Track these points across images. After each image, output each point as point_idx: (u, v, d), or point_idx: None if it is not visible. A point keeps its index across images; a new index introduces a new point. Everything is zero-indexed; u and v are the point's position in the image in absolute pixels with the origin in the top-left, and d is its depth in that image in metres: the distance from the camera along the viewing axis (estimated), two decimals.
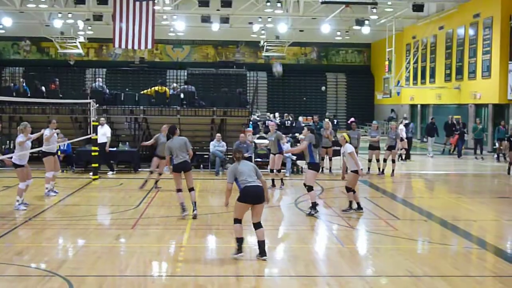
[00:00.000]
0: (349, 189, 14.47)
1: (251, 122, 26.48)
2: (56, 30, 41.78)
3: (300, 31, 43.64)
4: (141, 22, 25.17)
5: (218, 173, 21.37)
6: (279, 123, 33.07)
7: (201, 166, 22.74)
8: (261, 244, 10.19)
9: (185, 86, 25.47)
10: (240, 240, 10.21)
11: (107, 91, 25.75)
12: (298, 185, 19.32)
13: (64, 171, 21.55)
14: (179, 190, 13.46)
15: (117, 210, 14.47)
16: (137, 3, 24.87)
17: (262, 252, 10.17)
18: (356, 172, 14.28)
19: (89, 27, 42.74)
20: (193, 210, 13.37)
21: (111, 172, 21.10)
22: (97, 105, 21.34)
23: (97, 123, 20.38)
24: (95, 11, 34.88)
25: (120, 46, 25.50)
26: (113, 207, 14.79)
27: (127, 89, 30.92)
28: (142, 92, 25.16)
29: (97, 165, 19.99)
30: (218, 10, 34.89)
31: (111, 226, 12.81)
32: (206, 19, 36.19)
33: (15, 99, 22.20)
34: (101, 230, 12.47)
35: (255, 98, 36.06)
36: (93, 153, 20.08)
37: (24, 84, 25.40)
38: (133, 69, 47.76)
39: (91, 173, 20.06)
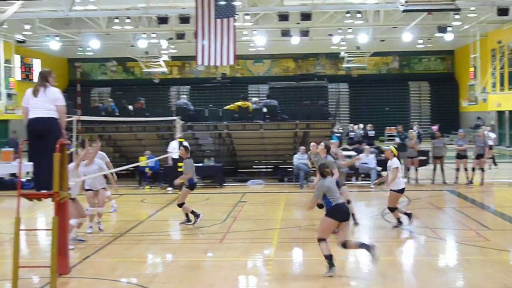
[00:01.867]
0: (392, 209, 13.70)
1: (334, 134, 26.35)
2: (140, 50, 42.90)
3: (381, 40, 43.20)
4: (223, 39, 25.53)
5: (302, 186, 21.38)
6: (363, 134, 32.81)
7: (285, 179, 22.80)
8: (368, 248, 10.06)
9: (268, 100, 25.64)
10: (329, 257, 9.92)
11: (192, 107, 26.23)
12: (383, 196, 19.09)
13: (152, 187, 22.09)
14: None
15: (205, 224, 14.69)
16: (218, 21, 25.24)
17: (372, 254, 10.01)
18: (397, 191, 13.50)
19: (172, 46, 43.64)
20: None
21: (170, 188, 21.25)
22: (182, 121, 21.77)
23: (182, 140, 20.78)
24: (177, 30, 35.61)
25: (202, 63, 25.91)
26: (200, 222, 15.01)
27: (210, 105, 31.40)
28: (225, 108, 25.51)
29: (182, 181, 20.33)
30: (297, 23, 34.97)
31: (199, 241, 13.03)
32: (286, 33, 36.36)
33: (104, 118, 22.91)
34: (189, 245, 12.70)
35: (337, 110, 35.91)
36: (179, 169, 20.45)
37: (112, 104, 26.19)
38: (215, 85, 48.45)
39: (169, 188, 20.45)
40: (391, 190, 13.61)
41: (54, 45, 39.49)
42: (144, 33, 38.31)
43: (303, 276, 10.04)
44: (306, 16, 31.58)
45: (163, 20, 31.82)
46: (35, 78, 44.64)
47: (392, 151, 13.68)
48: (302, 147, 22.27)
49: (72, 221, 12.06)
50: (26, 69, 45.34)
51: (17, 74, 40.96)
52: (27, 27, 34.76)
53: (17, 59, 40.47)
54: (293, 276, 10.13)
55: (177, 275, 10.05)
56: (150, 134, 24.27)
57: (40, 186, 9.59)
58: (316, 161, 15.09)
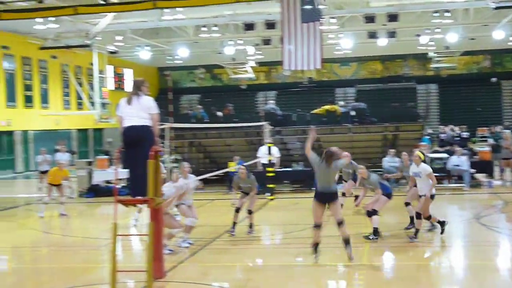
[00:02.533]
0: (419, 215, 12.62)
1: (425, 136, 25.86)
2: (227, 57, 43.48)
3: (471, 39, 42.09)
4: (309, 43, 25.48)
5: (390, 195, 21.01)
6: (456, 136, 31.98)
7: None
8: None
9: (356, 103, 25.44)
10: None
11: (279, 112, 26.33)
12: (477, 199, 18.64)
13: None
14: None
15: (295, 229, 14.70)
16: (304, 25, 25.22)
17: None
18: (431, 197, 12.49)
19: (259, 52, 44.00)
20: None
21: (268, 194, 21.02)
22: (271, 126, 21.88)
23: (271, 145, 20.85)
24: (264, 35, 35.90)
25: (289, 68, 25.95)
26: (291, 226, 15.04)
27: (298, 110, 31.40)
28: (313, 112, 25.47)
29: (273, 185, 20.43)
30: (384, 24, 34.58)
31: (290, 245, 13.03)
32: (372, 35, 36.04)
33: (195, 125, 23.31)
34: (281, 249, 12.74)
35: (427, 111, 35.22)
36: (267, 174, 20.57)
37: (201, 110, 26.63)
38: (302, 90, 48.48)
39: (267, 194, 20.54)
40: (424, 196, 12.50)
41: (145, 54, 40.61)
42: (231, 40, 38.80)
43: (396, 281, 9.88)
44: (393, 17, 31.22)
45: (249, 26, 32.16)
46: (127, 87, 46.08)
47: (419, 157, 12.72)
48: (392, 150, 21.94)
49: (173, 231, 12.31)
50: (119, 78, 46.82)
51: (110, 84, 42.34)
52: (119, 38, 35.83)
53: (109, 70, 41.82)
54: (385, 281, 9.99)
55: (269, 280, 10.10)
56: (239, 140, 24.53)
57: (135, 193, 9.85)
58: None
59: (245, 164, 18.60)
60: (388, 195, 13.39)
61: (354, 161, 16.35)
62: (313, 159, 11.51)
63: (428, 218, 12.75)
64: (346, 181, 17.20)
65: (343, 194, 16.32)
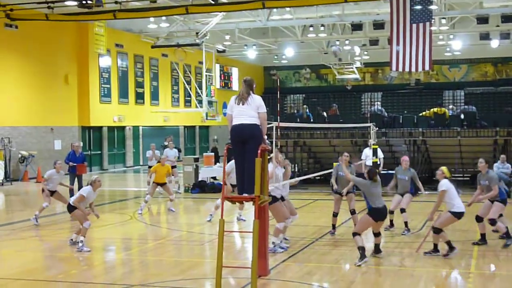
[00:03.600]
0: (437, 230, 11.90)
1: None
2: (334, 57, 43.27)
3: None
4: (418, 44, 25.01)
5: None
6: None
7: None
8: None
9: (466, 107, 24.75)
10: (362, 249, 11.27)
11: (386, 114, 25.99)
12: None
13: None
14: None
15: (399, 233, 14.47)
16: (414, 25, 24.77)
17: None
18: (454, 214, 11.75)
19: (365, 52, 43.57)
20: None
21: None
22: (377, 128, 21.63)
23: (376, 146, 20.60)
24: (371, 36, 35.49)
25: (397, 69, 25.56)
26: (396, 230, 14.81)
27: (405, 112, 30.92)
28: (420, 114, 24.99)
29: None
30: (497, 26, 33.43)
31: (395, 249, 12.84)
32: (485, 36, 34.89)
33: (300, 124, 23.39)
34: (385, 253, 12.55)
35: None
36: None
37: (307, 111, 26.66)
38: (409, 91, 47.59)
39: None
40: (449, 211, 11.87)
41: (252, 54, 41.09)
42: (338, 40, 38.59)
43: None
44: (507, 18, 30.07)
45: (357, 26, 31.89)
46: (234, 86, 46.72)
47: (443, 172, 12.19)
48: (503, 156, 21.19)
49: (279, 225, 12.36)
50: (225, 77, 47.54)
51: (217, 82, 43.05)
52: (227, 37, 36.41)
53: (217, 68, 42.54)
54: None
55: (373, 282, 10.02)
56: (344, 141, 24.40)
57: (242, 190, 9.99)
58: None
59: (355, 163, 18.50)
60: (503, 201, 12.94)
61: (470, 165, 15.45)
62: (360, 182, 12.10)
63: (437, 232, 11.98)
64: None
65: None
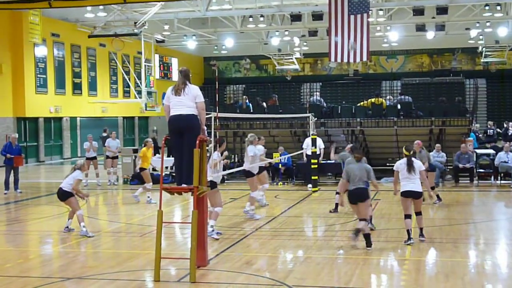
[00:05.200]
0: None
1: (472, 132, 25.47)
2: (273, 48, 43.43)
3: None
4: (356, 35, 25.37)
5: (438, 184, 20.81)
6: (503, 132, 31.35)
7: None
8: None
9: (402, 97, 25.19)
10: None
11: (324, 104, 26.23)
12: None
13: (285, 183, 22.34)
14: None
15: (337, 221, 14.67)
16: (352, 17, 25.11)
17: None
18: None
19: (305, 43, 43.86)
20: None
21: (310, 185, 20.95)
22: (315, 118, 21.82)
23: (315, 137, 20.78)
24: (310, 27, 35.72)
25: (336, 60, 25.89)
26: (333, 219, 15.00)
27: (343, 102, 31.23)
28: (358, 104, 25.31)
29: (316, 177, 20.40)
30: (433, 17, 34.10)
31: (333, 238, 13.00)
32: (421, 28, 35.54)
33: (240, 115, 23.39)
34: (323, 242, 12.71)
35: (475, 107, 34.61)
36: (312, 166, 20.53)
37: (247, 101, 26.68)
38: (347, 82, 48.14)
39: (309, 185, 20.52)
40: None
41: (191, 44, 40.90)
42: (277, 31, 38.75)
43: (440, 277, 9.78)
44: (442, 10, 30.73)
45: (296, 17, 32.05)
46: (173, 76, 46.39)
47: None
48: (438, 145, 21.68)
49: (218, 209, 12.79)
50: (165, 67, 47.19)
51: (156, 73, 42.69)
52: (166, 27, 36.11)
53: (156, 58, 42.16)
54: (429, 276, 9.90)
55: (312, 272, 10.10)
56: (283, 131, 24.52)
57: (181, 181, 9.96)
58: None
59: (289, 155, 18.64)
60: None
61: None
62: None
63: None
64: None
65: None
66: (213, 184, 12.19)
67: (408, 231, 11.91)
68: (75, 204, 13.51)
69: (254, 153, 15.37)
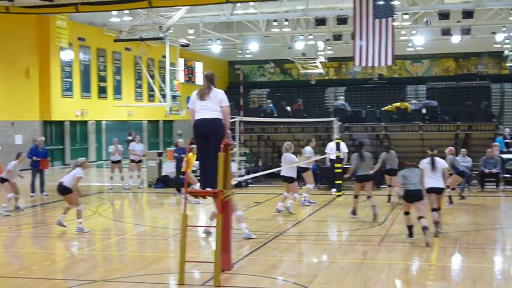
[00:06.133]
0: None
1: (500, 136, 25.22)
2: (298, 52, 43.36)
3: None
4: (381, 39, 25.23)
5: (463, 189, 20.62)
6: None
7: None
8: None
9: (427, 101, 25.04)
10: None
11: (349, 108, 26.16)
12: None
13: None
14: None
15: (363, 226, 14.60)
16: (377, 21, 24.98)
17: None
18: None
19: (329, 47, 43.75)
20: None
21: (334, 190, 20.89)
22: (340, 122, 21.74)
23: (339, 141, 20.69)
24: (335, 31, 35.63)
25: (360, 64, 25.77)
26: (359, 224, 14.94)
27: (368, 106, 31.14)
28: (383, 109, 25.21)
29: (341, 182, 20.30)
30: (458, 21, 33.84)
31: (357, 242, 12.93)
32: (446, 32, 35.27)
33: (264, 119, 23.41)
34: (348, 246, 12.67)
35: (502, 111, 34.30)
36: (336, 170, 20.44)
37: (271, 105, 26.70)
38: (372, 86, 47.96)
39: (333, 190, 20.43)
40: None
41: (216, 48, 40.98)
42: (302, 35, 38.71)
43: (467, 282, 9.69)
44: (468, 14, 30.45)
45: (320, 21, 31.97)
46: (198, 80, 46.55)
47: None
48: (464, 150, 21.48)
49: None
50: (189, 71, 47.35)
51: (181, 77, 42.82)
52: (191, 31, 36.25)
53: (181, 62, 42.32)
54: (455, 282, 9.82)
55: (336, 277, 10.06)
56: (308, 135, 24.43)
57: (206, 184, 9.99)
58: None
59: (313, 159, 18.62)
60: None
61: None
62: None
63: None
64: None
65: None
66: None
67: (435, 222, 12.88)
68: (75, 200, 14.01)
69: (291, 160, 16.73)
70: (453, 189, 17.76)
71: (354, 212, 15.46)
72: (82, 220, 14.12)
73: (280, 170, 17.01)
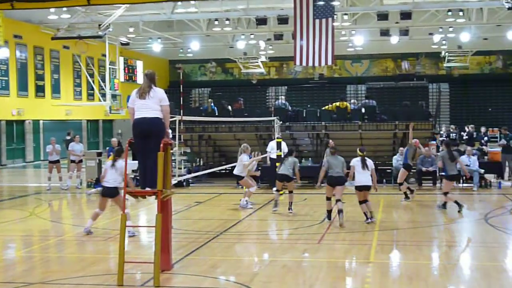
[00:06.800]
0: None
1: (435, 135, 25.77)
2: (239, 51, 43.43)
3: (484, 39, 41.81)
4: (321, 39, 25.45)
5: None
6: (468, 136, 31.72)
7: (384, 180, 22.44)
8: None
9: (366, 101, 25.40)
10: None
11: (290, 108, 26.32)
12: (486, 200, 18.64)
13: None
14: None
15: (303, 225, 14.72)
16: (317, 21, 25.19)
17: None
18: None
19: (270, 47, 43.95)
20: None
21: (275, 189, 20.79)
22: (281, 122, 21.86)
23: (280, 140, 20.81)
24: (275, 30, 35.80)
25: (301, 63, 25.94)
26: (299, 222, 15.05)
27: (308, 106, 31.38)
28: (323, 108, 25.45)
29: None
30: (397, 22, 34.45)
31: (298, 241, 13.02)
32: (385, 32, 35.85)
33: (205, 118, 23.34)
34: (288, 245, 12.75)
35: (438, 111, 35.04)
36: (276, 169, 20.49)
37: (212, 104, 26.65)
38: (313, 86, 48.38)
39: (274, 189, 20.45)
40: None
41: (156, 47, 40.70)
42: (243, 34, 38.77)
43: (404, 279, 9.87)
44: (406, 15, 31.05)
45: (261, 21, 32.09)
46: (138, 79, 46.11)
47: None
48: (402, 148, 21.88)
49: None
50: (130, 70, 46.85)
51: (121, 76, 42.33)
52: (131, 29, 35.88)
53: (121, 61, 41.84)
54: (393, 279, 9.99)
55: (277, 275, 10.11)
56: (249, 134, 24.53)
57: (145, 184, 9.90)
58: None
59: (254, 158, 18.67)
60: None
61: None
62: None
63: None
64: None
65: None
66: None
67: (365, 213, 14.52)
68: None
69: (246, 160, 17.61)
70: (401, 184, 18.44)
71: (329, 217, 15.11)
72: None
73: (222, 169, 17.11)
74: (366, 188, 14.67)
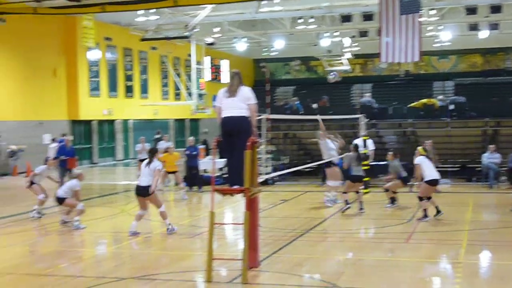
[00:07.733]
0: (420, 199, 14.77)
1: None
2: (323, 49, 43.21)
3: None
4: (407, 35, 24.98)
5: (491, 186, 20.45)
6: None
7: (473, 179, 21.87)
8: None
9: (455, 97, 24.85)
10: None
11: (376, 105, 26.03)
12: None
13: None
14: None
15: (390, 224, 14.55)
16: (403, 17, 24.74)
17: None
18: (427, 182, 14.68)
19: (355, 44, 43.52)
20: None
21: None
22: (367, 119, 21.66)
23: (366, 138, 20.62)
24: (360, 27, 35.44)
25: (386, 60, 25.53)
26: (386, 221, 14.89)
27: (394, 103, 30.94)
28: (410, 105, 25.05)
29: (368, 178, 20.20)
30: (486, 16, 33.47)
31: (384, 240, 12.89)
32: (473, 27, 34.93)
33: (290, 116, 23.41)
34: (374, 244, 12.63)
35: None
36: (363, 167, 20.32)
37: (297, 102, 26.67)
38: (398, 83, 47.63)
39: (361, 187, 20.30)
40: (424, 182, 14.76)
41: (241, 46, 40.98)
42: (327, 32, 38.55)
43: (494, 280, 9.61)
44: (495, 9, 30.12)
45: (346, 18, 31.84)
46: (223, 78, 46.60)
47: (419, 151, 15.50)
48: (492, 146, 21.28)
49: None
50: (215, 70, 47.38)
51: (207, 75, 42.90)
52: (217, 29, 36.33)
53: (207, 61, 42.41)
54: (483, 280, 9.74)
55: (362, 274, 10.05)
56: (334, 132, 24.36)
57: (232, 182, 10.01)
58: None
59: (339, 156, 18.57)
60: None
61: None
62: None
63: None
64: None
65: None
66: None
67: (425, 210, 14.53)
68: (73, 204, 14.36)
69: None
70: (395, 192, 17.19)
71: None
72: (80, 218, 14.40)
73: (307, 168, 17.10)
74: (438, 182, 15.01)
